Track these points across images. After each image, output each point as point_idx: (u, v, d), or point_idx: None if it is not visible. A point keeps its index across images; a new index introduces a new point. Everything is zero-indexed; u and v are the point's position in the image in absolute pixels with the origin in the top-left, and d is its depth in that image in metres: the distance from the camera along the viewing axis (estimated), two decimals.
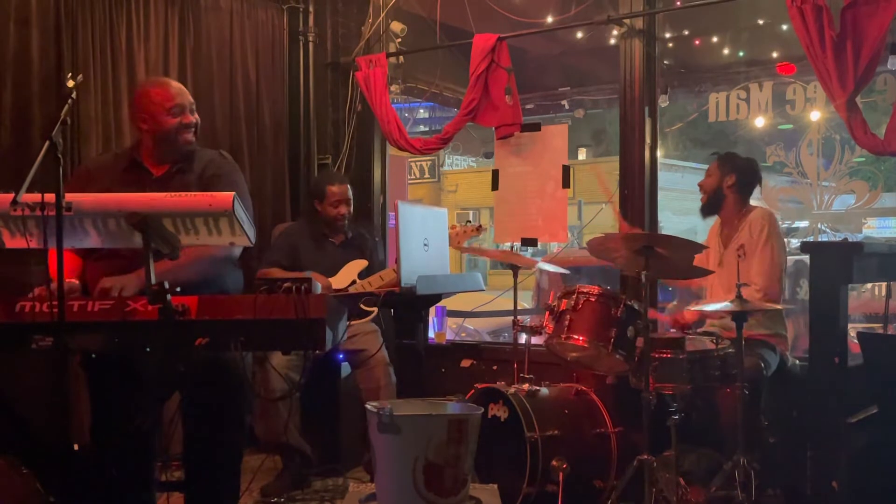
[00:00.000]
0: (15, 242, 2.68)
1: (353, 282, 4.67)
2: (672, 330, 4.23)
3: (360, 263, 4.76)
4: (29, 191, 2.46)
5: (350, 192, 4.87)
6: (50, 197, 2.45)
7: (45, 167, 2.44)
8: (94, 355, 3.04)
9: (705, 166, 4.49)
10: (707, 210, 4.37)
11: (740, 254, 4.07)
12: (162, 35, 5.07)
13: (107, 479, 3.01)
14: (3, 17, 4.33)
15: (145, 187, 3.15)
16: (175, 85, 3.30)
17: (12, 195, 2.46)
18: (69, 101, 2.57)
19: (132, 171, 3.28)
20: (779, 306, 3.85)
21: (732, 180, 4.25)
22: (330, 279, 4.61)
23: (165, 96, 3.22)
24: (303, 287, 2.71)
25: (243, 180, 3.40)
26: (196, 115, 3.31)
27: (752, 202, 4.34)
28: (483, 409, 3.17)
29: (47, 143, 2.43)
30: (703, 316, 4.19)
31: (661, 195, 4.93)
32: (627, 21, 4.81)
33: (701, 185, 4.37)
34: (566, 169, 5.12)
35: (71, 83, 2.59)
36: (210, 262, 3.15)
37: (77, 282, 3.08)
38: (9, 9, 4.35)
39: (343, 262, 4.76)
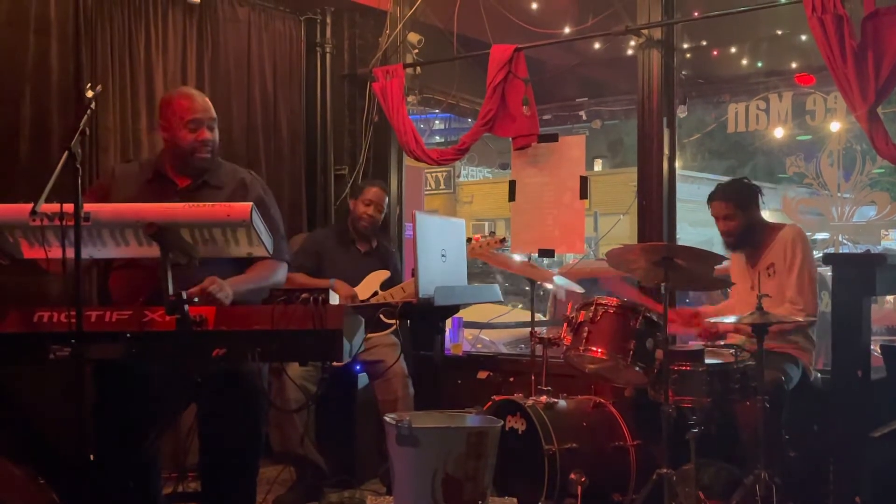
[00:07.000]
0: (34, 252, 2.69)
1: (375, 293, 4.67)
2: (696, 340, 4.15)
3: (383, 274, 4.78)
4: (48, 201, 2.46)
5: (385, 202, 4.93)
6: (68, 207, 2.45)
7: (63, 177, 2.44)
8: (110, 366, 3.03)
9: (724, 178, 4.39)
10: (739, 247, 4.18)
11: (770, 272, 4.01)
12: (180, 46, 5.09)
13: (122, 489, 3.00)
14: (23, 26, 4.36)
15: (170, 198, 3.08)
16: (200, 100, 3.24)
17: (31, 205, 2.46)
18: (88, 111, 2.57)
19: (156, 182, 3.27)
20: (800, 319, 3.80)
21: (756, 217, 4.13)
22: (353, 289, 4.60)
23: (186, 108, 3.18)
24: (320, 298, 2.71)
25: (275, 203, 3.39)
26: (215, 133, 3.25)
27: (773, 214, 4.27)
28: (501, 422, 3.15)
29: (66, 153, 2.43)
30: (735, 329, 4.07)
31: (677, 206, 4.87)
32: (645, 31, 4.79)
33: (726, 232, 4.14)
34: (584, 180, 5.10)
35: (90, 93, 2.59)
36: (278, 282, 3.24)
37: None
38: (28, 19, 4.37)
39: (367, 271, 4.77)
